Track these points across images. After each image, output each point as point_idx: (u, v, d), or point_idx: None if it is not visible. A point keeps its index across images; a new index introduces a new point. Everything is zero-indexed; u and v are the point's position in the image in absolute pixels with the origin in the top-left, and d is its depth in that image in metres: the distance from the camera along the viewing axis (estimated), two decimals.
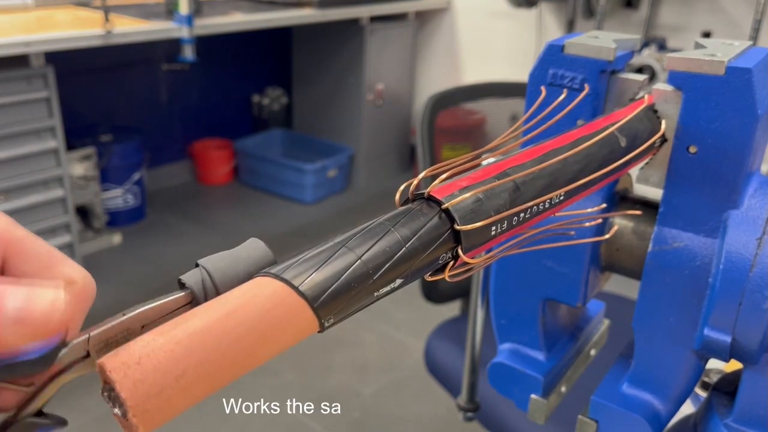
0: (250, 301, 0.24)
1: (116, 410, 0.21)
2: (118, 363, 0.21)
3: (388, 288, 0.28)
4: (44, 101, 2.05)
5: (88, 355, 0.24)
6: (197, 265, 0.28)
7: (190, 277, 0.27)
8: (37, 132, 2.06)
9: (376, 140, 3.31)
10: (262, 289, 0.25)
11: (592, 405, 0.48)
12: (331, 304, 0.26)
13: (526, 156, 0.34)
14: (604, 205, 0.47)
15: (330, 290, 0.26)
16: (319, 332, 0.26)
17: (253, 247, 0.29)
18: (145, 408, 0.21)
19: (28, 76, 2.00)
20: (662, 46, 2.44)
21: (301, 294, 0.25)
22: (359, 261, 0.27)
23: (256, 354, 0.23)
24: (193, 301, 0.27)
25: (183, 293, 0.27)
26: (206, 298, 0.27)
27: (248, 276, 0.28)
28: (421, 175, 0.31)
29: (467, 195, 0.30)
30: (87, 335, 0.24)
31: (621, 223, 0.49)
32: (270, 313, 0.24)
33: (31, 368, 0.23)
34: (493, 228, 0.31)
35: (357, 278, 0.26)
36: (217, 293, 0.27)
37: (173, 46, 2.42)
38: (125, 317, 0.25)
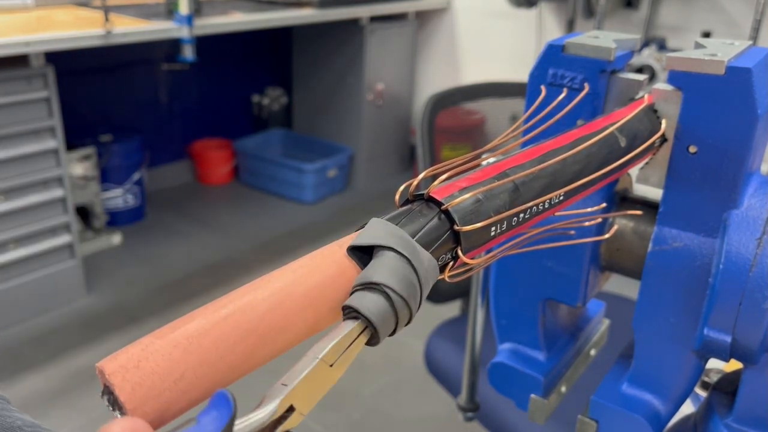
0: (248, 302, 0.24)
1: (116, 413, 0.21)
2: (116, 366, 0.21)
3: None
4: (44, 101, 2.05)
5: (292, 408, 0.23)
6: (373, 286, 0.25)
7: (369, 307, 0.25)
8: (37, 132, 2.06)
9: (376, 140, 3.30)
10: (260, 290, 0.24)
11: (592, 405, 0.48)
12: None
13: (526, 156, 0.34)
14: (604, 205, 0.47)
15: None
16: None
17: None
18: (144, 411, 0.20)
19: (28, 76, 2.00)
20: (662, 46, 2.44)
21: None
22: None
23: (255, 356, 0.23)
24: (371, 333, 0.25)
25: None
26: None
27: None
28: (420, 176, 0.31)
29: (467, 196, 0.30)
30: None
31: (621, 223, 0.49)
32: (269, 314, 0.24)
33: None
34: (493, 229, 0.31)
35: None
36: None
37: (173, 46, 2.42)
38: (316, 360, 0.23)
